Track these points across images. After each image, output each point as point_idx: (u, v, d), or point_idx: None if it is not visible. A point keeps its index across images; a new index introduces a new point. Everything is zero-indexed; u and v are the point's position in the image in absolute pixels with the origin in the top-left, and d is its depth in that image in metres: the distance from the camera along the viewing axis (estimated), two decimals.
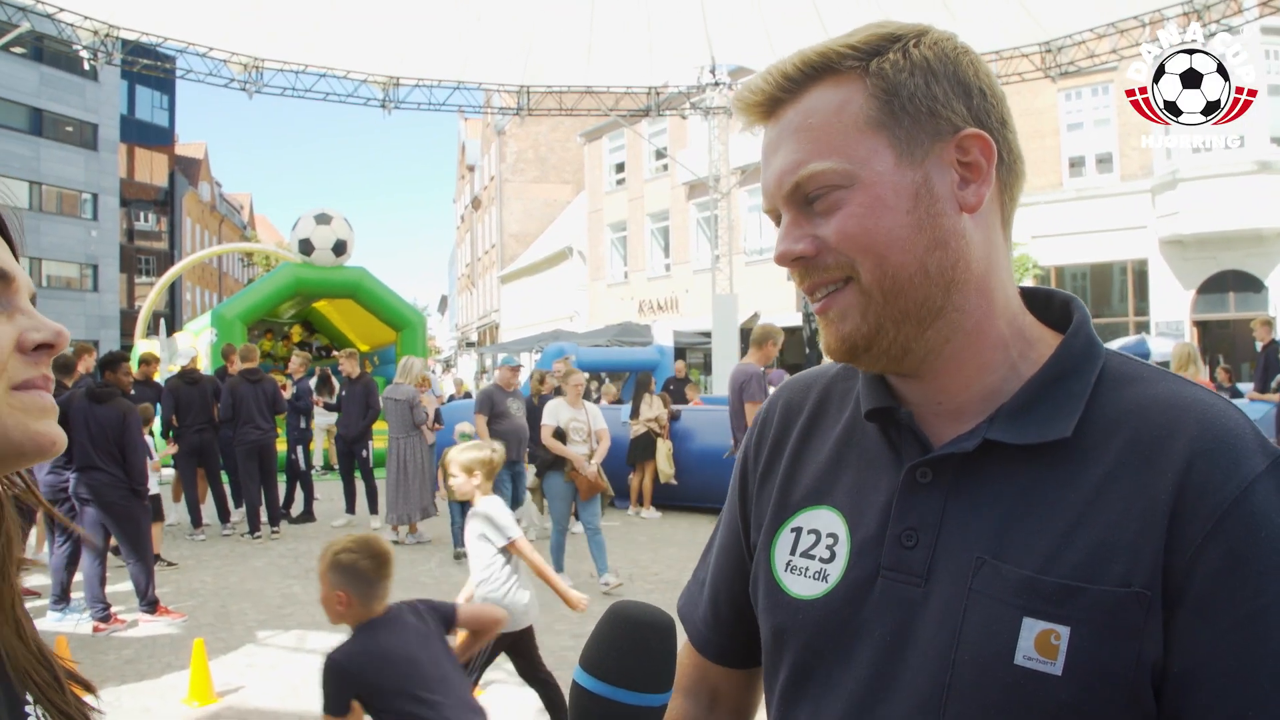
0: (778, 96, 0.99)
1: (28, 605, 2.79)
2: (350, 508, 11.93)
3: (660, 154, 31.64)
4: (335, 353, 18.15)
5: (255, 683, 5.89)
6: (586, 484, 8.23)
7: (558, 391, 10.12)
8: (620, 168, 36.26)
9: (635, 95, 20.80)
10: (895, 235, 0.94)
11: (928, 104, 0.94)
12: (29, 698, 0.85)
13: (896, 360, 0.99)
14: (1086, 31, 15.87)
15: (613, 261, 36.90)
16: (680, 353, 23.78)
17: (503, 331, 45.63)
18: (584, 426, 8.47)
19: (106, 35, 16.10)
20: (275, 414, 11.36)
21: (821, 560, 1.02)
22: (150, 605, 7.32)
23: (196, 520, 11.02)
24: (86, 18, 15.66)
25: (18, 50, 27.78)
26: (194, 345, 15.91)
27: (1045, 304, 1.04)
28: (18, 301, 0.82)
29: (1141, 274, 21.71)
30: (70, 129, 39.08)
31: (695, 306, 29.52)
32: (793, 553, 1.06)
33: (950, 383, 0.99)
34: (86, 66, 17.88)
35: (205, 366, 13.53)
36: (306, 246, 16.90)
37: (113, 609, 7.22)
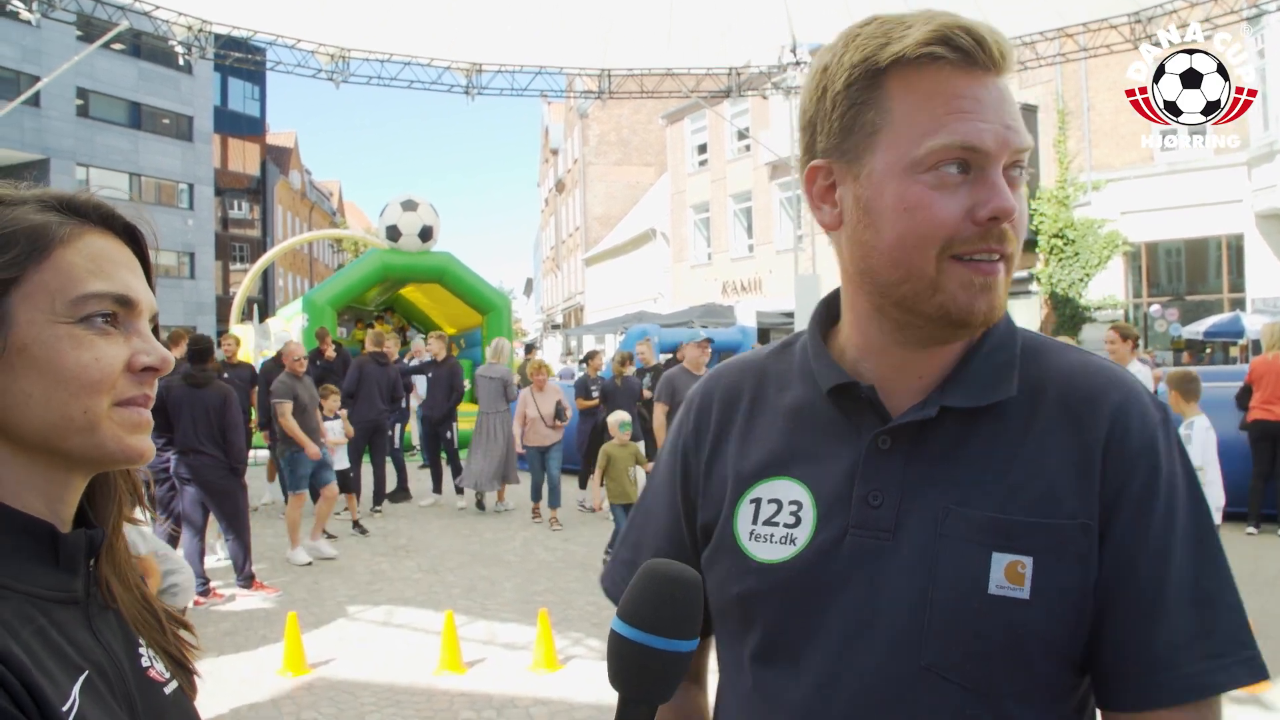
0: (998, 65, 1.04)
1: None
2: (437, 487, 12.21)
3: (742, 134, 31.50)
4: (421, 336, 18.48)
5: (346, 655, 6.10)
6: None
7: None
8: (702, 149, 36.16)
9: (716, 76, 20.74)
10: (1024, 225, 1.08)
11: None
12: (142, 641, 0.96)
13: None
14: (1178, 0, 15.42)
15: (696, 243, 36.87)
16: (764, 334, 23.72)
17: (588, 314, 45.91)
18: None
19: (200, 30, 16.59)
20: (394, 399, 11.74)
21: (786, 526, 1.12)
22: (247, 580, 7.61)
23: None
24: (181, 14, 16.16)
25: (117, 47, 28.73)
26: (286, 329, 16.35)
27: None
28: (138, 325, 0.93)
29: (1237, 249, 20.99)
30: (167, 122, 40.29)
31: (778, 287, 29.37)
32: (754, 522, 1.14)
33: (919, 360, 1.12)
34: (181, 61, 18.41)
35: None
36: (393, 233, 17.23)
37: (212, 584, 7.54)
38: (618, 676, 0.96)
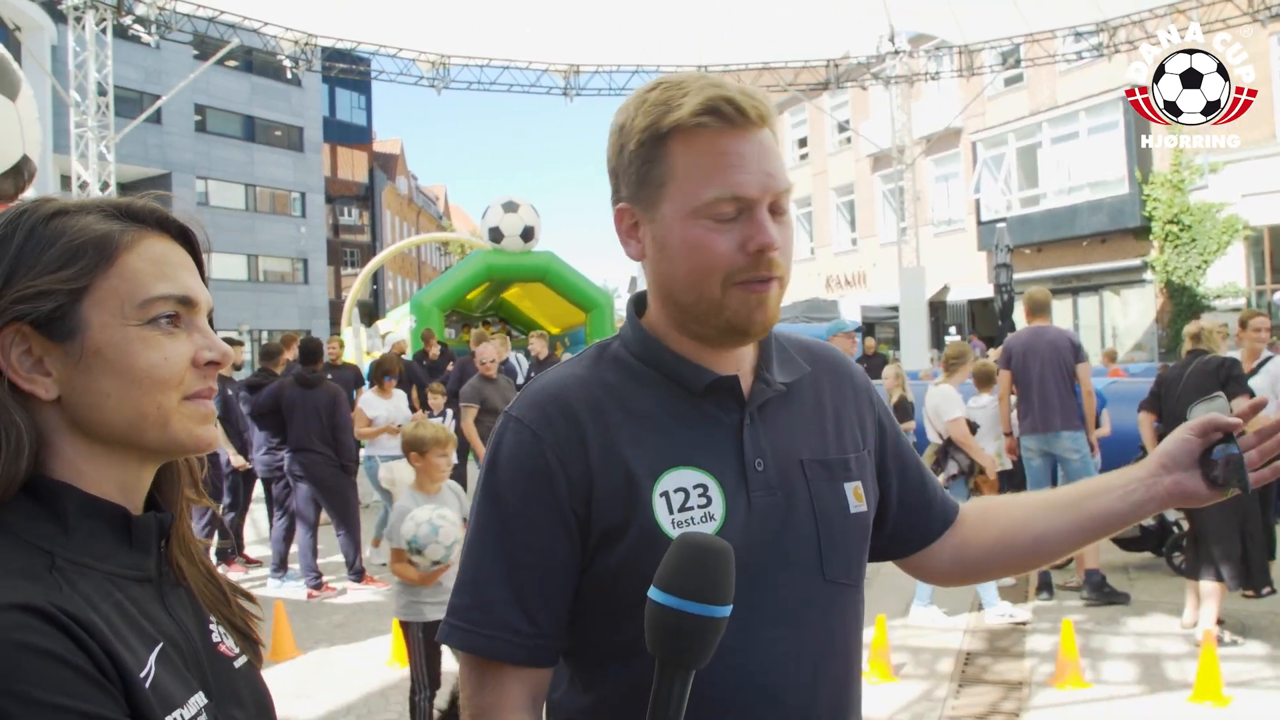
0: (756, 122, 1.27)
1: (250, 574, 3.20)
2: None
3: (842, 127, 31.14)
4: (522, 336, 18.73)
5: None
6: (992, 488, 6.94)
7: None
8: (803, 142, 35.83)
9: (814, 68, 20.58)
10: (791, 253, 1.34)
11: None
12: (211, 617, 1.04)
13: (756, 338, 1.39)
14: None
15: (798, 237, 36.41)
16: (869, 328, 23.44)
17: None
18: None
19: (306, 44, 17.13)
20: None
21: (700, 506, 1.28)
22: (358, 574, 7.85)
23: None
24: (288, 29, 16.72)
25: (231, 64, 29.80)
26: (395, 331, 16.74)
27: None
28: (198, 322, 1.01)
29: None
30: (279, 133, 41.61)
31: (883, 280, 28.98)
32: (672, 511, 1.27)
33: (740, 355, 1.37)
34: (290, 75, 19.00)
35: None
36: (496, 234, 17.49)
37: (324, 578, 7.79)
38: (656, 643, 1.01)
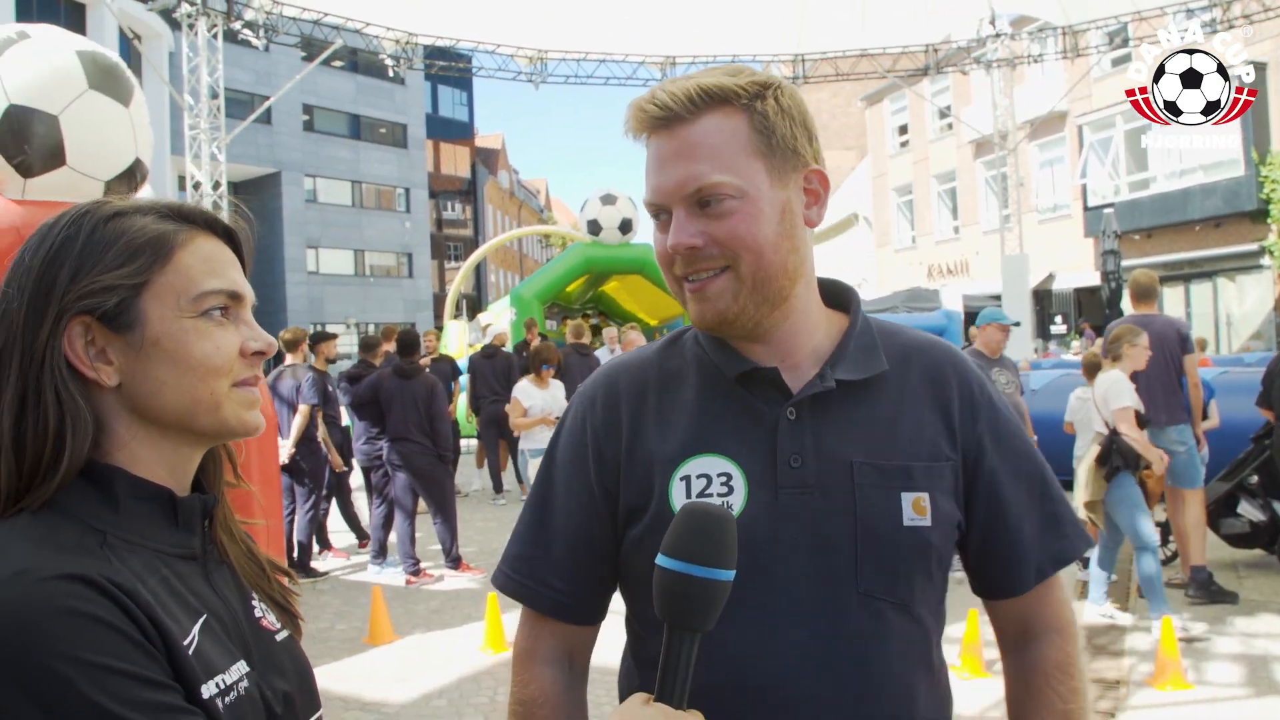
0: (679, 115, 1.26)
1: (351, 560, 4.17)
2: None
3: (943, 113, 30.52)
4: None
5: None
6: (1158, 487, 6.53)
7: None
8: (903, 130, 35.25)
9: (913, 54, 20.23)
10: (769, 240, 1.27)
11: (791, 143, 1.29)
12: (254, 594, 1.12)
13: (749, 331, 1.32)
14: None
15: (899, 226, 36.02)
16: (970, 317, 22.97)
17: None
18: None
19: (407, 43, 17.50)
20: None
21: (720, 495, 1.29)
22: (454, 562, 8.03)
23: (498, 486, 11.87)
24: (389, 29, 17.09)
25: (337, 64, 30.58)
26: (495, 324, 17.02)
27: (830, 288, 1.43)
28: (244, 315, 1.09)
29: None
30: (384, 131, 42.56)
31: (986, 269, 28.34)
32: (689, 496, 1.29)
33: (791, 346, 1.35)
34: (393, 73, 19.43)
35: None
36: (594, 226, 17.64)
37: (422, 564, 7.99)
38: (664, 607, 1.06)
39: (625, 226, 17.69)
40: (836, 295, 1.43)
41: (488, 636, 6.06)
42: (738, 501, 1.28)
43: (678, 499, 1.29)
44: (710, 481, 1.29)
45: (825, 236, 42.06)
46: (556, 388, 8.62)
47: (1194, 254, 22.78)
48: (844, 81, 23.08)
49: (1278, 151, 20.51)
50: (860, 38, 19.10)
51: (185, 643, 0.93)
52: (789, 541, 1.26)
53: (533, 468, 7.86)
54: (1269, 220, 20.77)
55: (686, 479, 1.30)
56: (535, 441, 8.26)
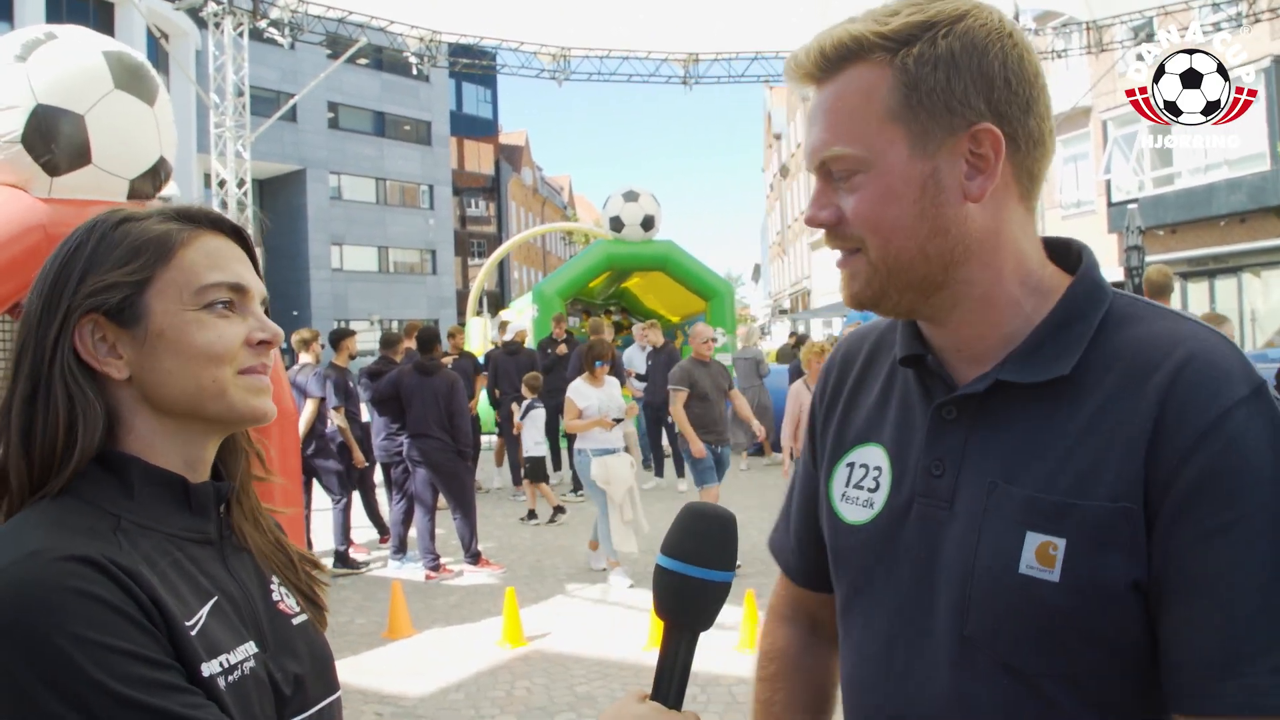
0: (815, 74, 1.09)
1: (372, 555, 5.79)
2: (659, 471, 12.50)
3: None
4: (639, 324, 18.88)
5: (561, 630, 6.41)
6: None
7: None
8: None
9: None
10: (900, 222, 1.05)
11: (944, 99, 1.03)
12: (274, 579, 1.17)
13: (908, 313, 1.14)
14: None
15: None
16: None
17: (814, 298, 45.47)
18: None
19: (431, 40, 17.57)
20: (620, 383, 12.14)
21: (869, 490, 1.18)
22: (474, 557, 8.08)
23: (517, 480, 11.89)
24: (413, 26, 17.17)
25: (362, 62, 30.71)
26: (515, 321, 17.08)
27: (1064, 252, 1.14)
28: (251, 307, 1.13)
29: None
30: (408, 128, 42.75)
31: None
32: (847, 484, 1.21)
33: (968, 334, 1.11)
34: (416, 71, 19.51)
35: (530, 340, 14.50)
36: (617, 223, 17.67)
37: (442, 560, 8.06)
38: (663, 606, 1.07)
39: (648, 223, 17.70)
40: (1072, 259, 1.13)
41: (505, 631, 6.10)
42: (879, 501, 1.16)
43: (837, 486, 1.23)
44: (866, 473, 1.19)
45: None
46: (612, 385, 8.08)
47: (1219, 249, 22.55)
48: None
49: None
50: None
51: (189, 623, 0.98)
52: (908, 558, 1.11)
53: (596, 468, 7.52)
54: None
55: (851, 465, 1.21)
56: (594, 441, 7.71)
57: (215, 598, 1.04)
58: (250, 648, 1.04)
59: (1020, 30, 1.05)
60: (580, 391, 7.83)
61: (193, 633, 0.97)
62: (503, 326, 13.07)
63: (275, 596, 1.15)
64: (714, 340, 8.57)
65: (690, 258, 18.28)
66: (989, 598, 1.02)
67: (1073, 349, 1.03)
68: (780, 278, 61.38)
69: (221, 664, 0.99)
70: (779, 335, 42.46)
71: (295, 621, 1.15)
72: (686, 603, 1.05)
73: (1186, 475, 0.93)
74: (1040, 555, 0.99)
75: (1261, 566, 0.90)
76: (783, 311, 55.61)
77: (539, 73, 19.24)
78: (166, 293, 1.07)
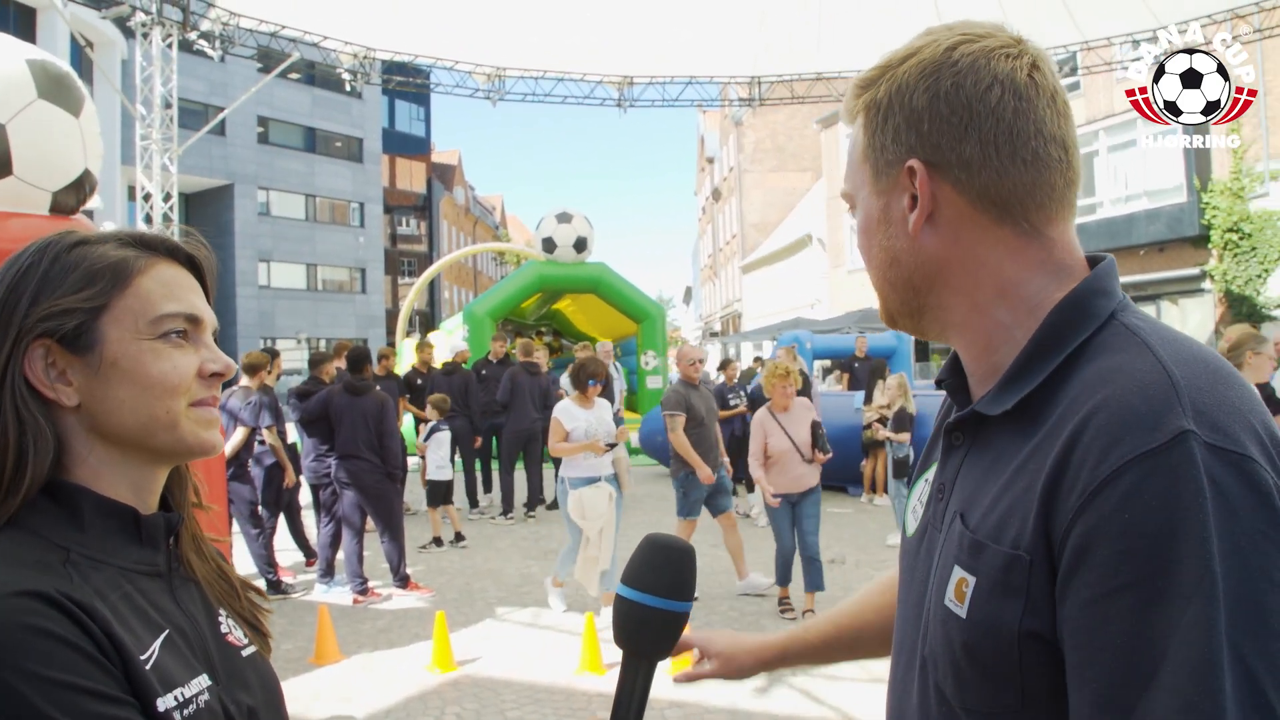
0: (848, 120, 1.17)
1: (298, 579, 5.70)
2: None
3: None
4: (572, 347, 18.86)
5: (491, 654, 6.33)
6: None
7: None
8: None
9: None
10: (871, 253, 1.13)
11: (882, 139, 1.08)
12: (222, 610, 1.15)
13: (918, 334, 1.16)
14: None
15: (852, 248, 36.08)
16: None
17: (745, 320, 45.87)
18: None
19: (365, 57, 17.43)
20: (546, 406, 12.05)
21: (919, 507, 1.19)
22: (402, 581, 7.96)
23: (447, 500, 11.73)
24: (347, 42, 17.02)
25: (294, 76, 30.42)
26: (439, 345, 16.97)
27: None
28: (204, 338, 1.12)
29: None
30: (339, 144, 42.34)
31: None
32: (918, 499, 1.21)
33: (967, 358, 1.13)
34: (349, 87, 19.34)
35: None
36: (549, 244, 17.69)
37: (370, 583, 7.92)
38: (621, 635, 1.08)
39: (580, 245, 17.74)
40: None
41: (435, 656, 6.01)
42: (915, 521, 1.18)
43: (913, 499, 1.22)
44: (928, 489, 1.18)
45: (779, 257, 42.37)
46: (603, 407, 7.41)
47: (1138, 277, 23.23)
48: (800, 104, 23.29)
49: (1218, 179, 21.02)
50: (816, 61, 19.32)
51: (143, 657, 0.95)
52: (920, 574, 1.12)
53: (572, 501, 7.03)
54: (1210, 245, 21.26)
55: (927, 482, 1.19)
56: (578, 469, 7.12)
57: (166, 631, 1.02)
58: (204, 680, 1.02)
59: (975, 55, 1.04)
60: (569, 412, 7.22)
61: (147, 667, 0.95)
62: (419, 349, 12.92)
63: (224, 629, 1.13)
64: (701, 362, 8.26)
65: (622, 280, 18.35)
66: (932, 626, 1.04)
67: (1030, 381, 1.00)
68: (711, 300, 61.79)
69: (177, 698, 0.97)
70: (710, 358, 42.73)
71: (245, 653, 1.14)
72: (647, 632, 1.07)
73: (1075, 535, 0.86)
74: (957, 590, 0.99)
75: (1133, 635, 0.82)
76: (714, 334, 55.96)
77: (473, 92, 19.18)
78: (122, 321, 1.05)
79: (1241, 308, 20.74)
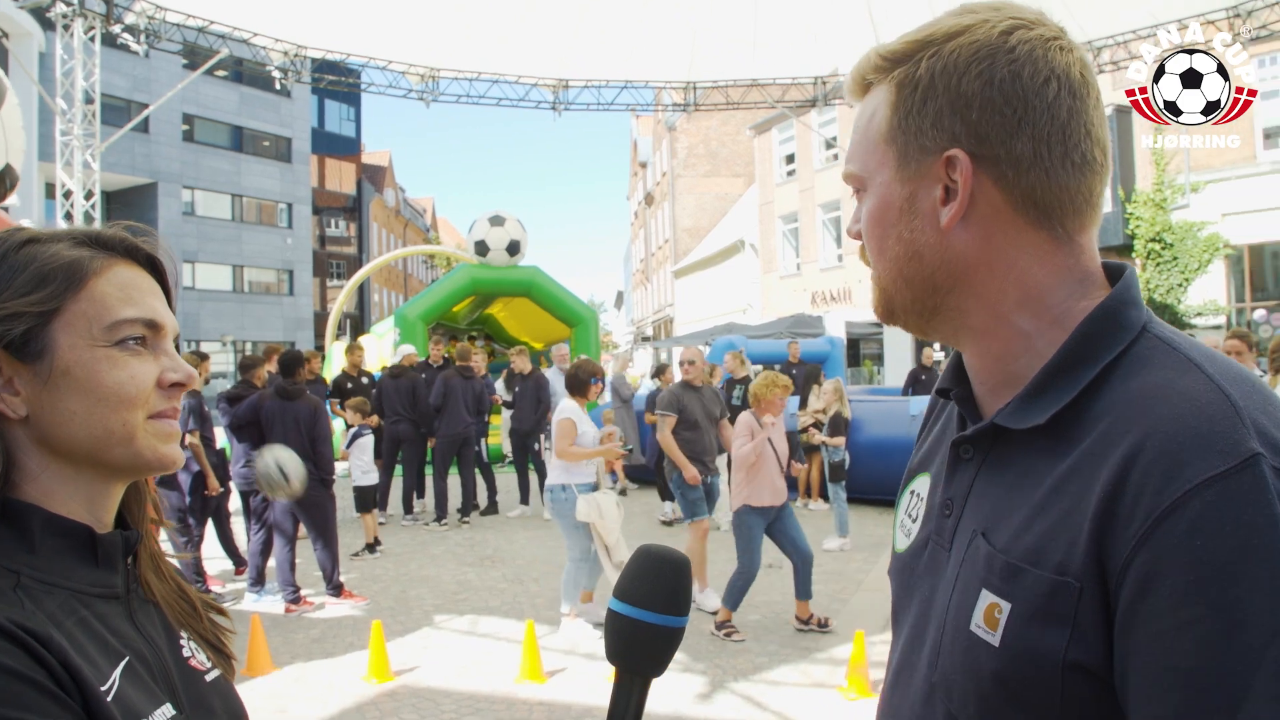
0: (854, 90, 1.08)
1: (227, 588, 5.06)
2: (524, 499, 12.34)
3: (830, 144, 31.26)
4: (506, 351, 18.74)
5: (429, 663, 6.21)
6: None
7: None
8: (790, 159, 35.96)
9: (802, 85, 20.66)
10: (884, 243, 1.04)
11: (918, 122, 0.99)
12: (183, 633, 1.07)
13: (920, 334, 1.09)
14: None
15: (785, 253, 36.68)
16: (853, 344, 23.46)
17: (677, 325, 45.99)
18: None
19: (295, 55, 17.13)
20: (480, 411, 11.91)
21: (913, 519, 1.15)
22: (336, 589, 7.80)
23: (382, 506, 11.57)
24: (277, 40, 16.74)
25: (220, 74, 29.82)
26: (411, 347, 16.73)
27: (1117, 280, 1.02)
28: (164, 345, 1.03)
29: None
30: (267, 144, 41.62)
31: (868, 297, 28.89)
32: (905, 512, 1.17)
33: (980, 366, 1.06)
34: (279, 86, 19.02)
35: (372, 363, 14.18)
36: (482, 248, 17.52)
37: (302, 592, 7.74)
38: (614, 651, 1.02)
39: (513, 248, 17.61)
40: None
41: (371, 666, 5.88)
42: (914, 533, 1.13)
43: (901, 512, 1.19)
44: (917, 502, 1.15)
45: (711, 262, 42.60)
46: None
47: None
48: (734, 110, 23.42)
49: (1142, 190, 21.59)
50: (751, 67, 19.44)
51: (104, 688, 0.88)
52: (920, 594, 1.08)
53: (583, 505, 6.71)
54: (1133, 254, 21.82)
55: (913, 493, 1.17)
56: (581, 475, 6.84)
57: (126, 658, 0.94)
58: (168, 710, 0.95)
59: (1032, 43, 0.97)
60: (579, 413, 6.94)
61: (108, 699, 0.88)
62: (349, 352, 12.73)
63: (186, 652, 1.05)
64: (693, 364, 8.13)
65: (555, 284, 18.26)
66: (948, 651, 0.98)
67: (1053, 398, 0.95)
68: (643, 305, 61.90)
69: None
70: (640, 363, 42.80)
71: (208, 678, 1.06)
72: (641, 648, 1.02)
73: (1137, 565, 0.81)
74: (987, 616, 0.93)
75: (1212, 668, 0.77)
76: (645, 339, 56.05)
77: (406, 92, 18.99)
78: (75, 326, 0.97)
79: (1163, 316, 21.18)
